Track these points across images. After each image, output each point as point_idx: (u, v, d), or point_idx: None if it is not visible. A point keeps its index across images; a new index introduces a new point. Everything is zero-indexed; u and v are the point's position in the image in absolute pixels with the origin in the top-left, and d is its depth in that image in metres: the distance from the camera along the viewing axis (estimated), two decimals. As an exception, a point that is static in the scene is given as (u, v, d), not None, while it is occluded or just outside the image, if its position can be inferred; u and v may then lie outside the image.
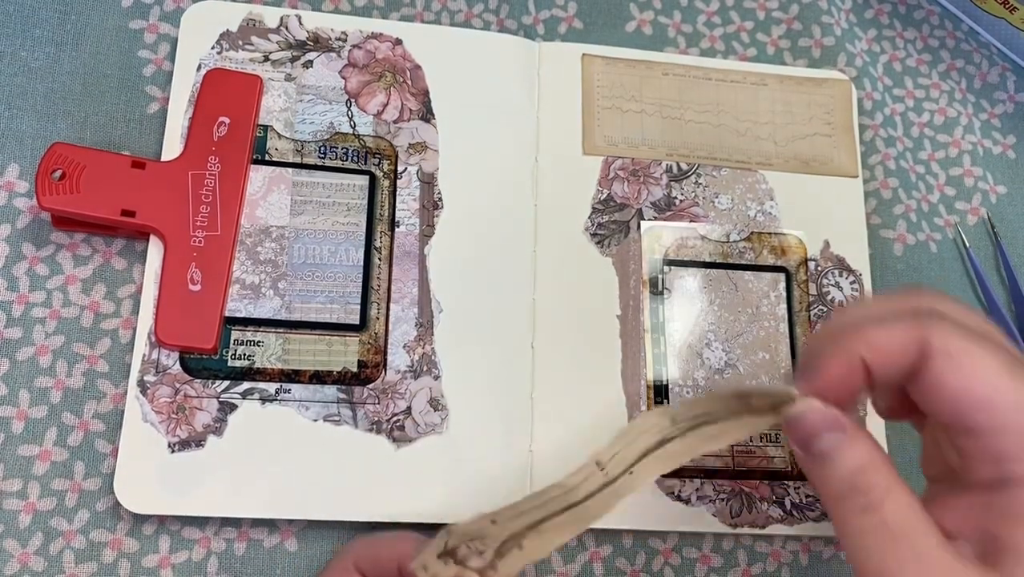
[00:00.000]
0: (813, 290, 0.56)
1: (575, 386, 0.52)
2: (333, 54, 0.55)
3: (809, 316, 0.55)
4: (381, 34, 0.56)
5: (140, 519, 0.47)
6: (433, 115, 0.55)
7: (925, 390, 0.36)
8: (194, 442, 0.47)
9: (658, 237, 0.55)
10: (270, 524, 0.48)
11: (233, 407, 0.48)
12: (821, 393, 0.37)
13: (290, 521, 0.48)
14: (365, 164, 0.53)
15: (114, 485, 0.46)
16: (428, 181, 0.54)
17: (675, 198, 0.56)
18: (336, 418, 0.49)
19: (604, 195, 0.55)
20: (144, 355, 0.48)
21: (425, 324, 0.51)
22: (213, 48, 0.53)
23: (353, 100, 0.54)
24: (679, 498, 0.51)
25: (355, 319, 0.51)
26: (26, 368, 0.48)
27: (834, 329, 0.38)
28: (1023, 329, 0.59)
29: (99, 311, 0.49)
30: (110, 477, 0.47)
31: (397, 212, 0.53)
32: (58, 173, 0.47)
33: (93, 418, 0.48)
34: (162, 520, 0.47)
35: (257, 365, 0.49)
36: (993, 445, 0.34)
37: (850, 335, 0.37)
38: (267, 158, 0.52)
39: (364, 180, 0.53)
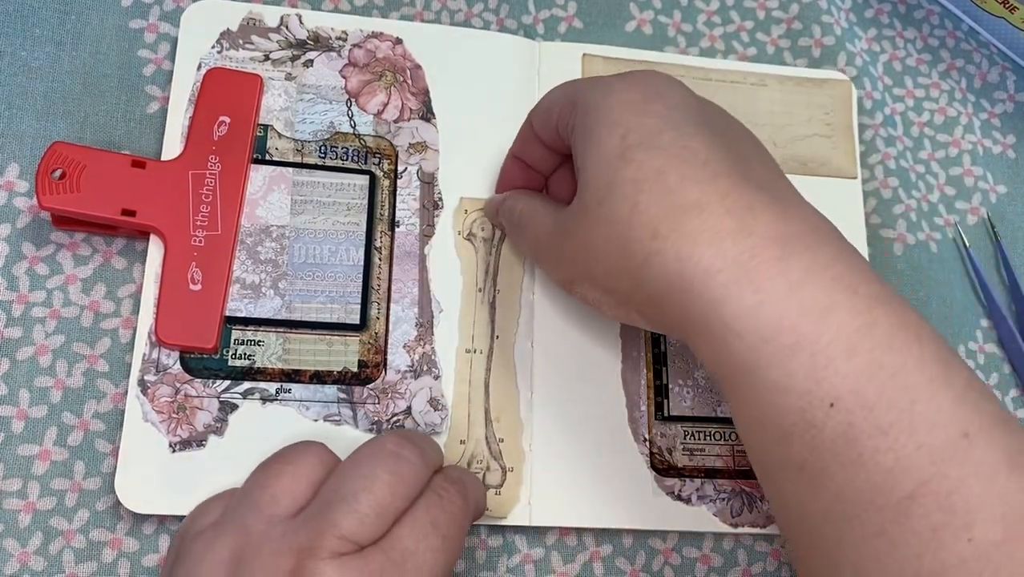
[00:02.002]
0: (813, 290, 0.56)
1: (575, 386, 0.52)
2: (333, 53, 0.55)
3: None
4: (381, 33, 0.56)
5: (140, 519, 0.47)
6: (433, 115, 0.55)
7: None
8: (195, 442, 0.47)
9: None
10: (270, 524, 0.48)
11: (234, 407, 0.48)
12: (509, 187, 0.52)
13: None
14: (365, 164, 0.53)
15: (115, 485, 0.46)
16: (428, 181, 0.54)
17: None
18: (336, 418, 0.49)
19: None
20: (144, 354, 0.48)
21: (425, 324, 0.51)
22: (213, 47, 0.53)
23: (353, 99, 0.54)
24: (679, 498, 0.51)
25: (355, 319, 0.51)
26: (26, 368, 0.48)
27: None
28: (1023, 329, 0.59)
29: (99, 311, 0.49)
30: (110, 477, 0.47)
31: (397, 212, 0.53)
32: (58, 172, 0.47)
33: (93, 418, 0.48)
34: (162, 520, 0.47)
35: (258, 365, 0.49)
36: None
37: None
38: (267, 157, 0.52)
39: (364, 180, 0.53)
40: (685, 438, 0.52)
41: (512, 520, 0.50)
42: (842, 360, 0.37)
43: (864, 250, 0.58)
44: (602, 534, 0.51)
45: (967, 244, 0.61)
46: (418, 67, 0.55)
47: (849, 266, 0.39)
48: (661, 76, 0.44)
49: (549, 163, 0.50)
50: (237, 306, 0.49)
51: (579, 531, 0.51)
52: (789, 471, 0.38)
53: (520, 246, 0.51)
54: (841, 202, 0.58)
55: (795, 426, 0.37)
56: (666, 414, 0.53)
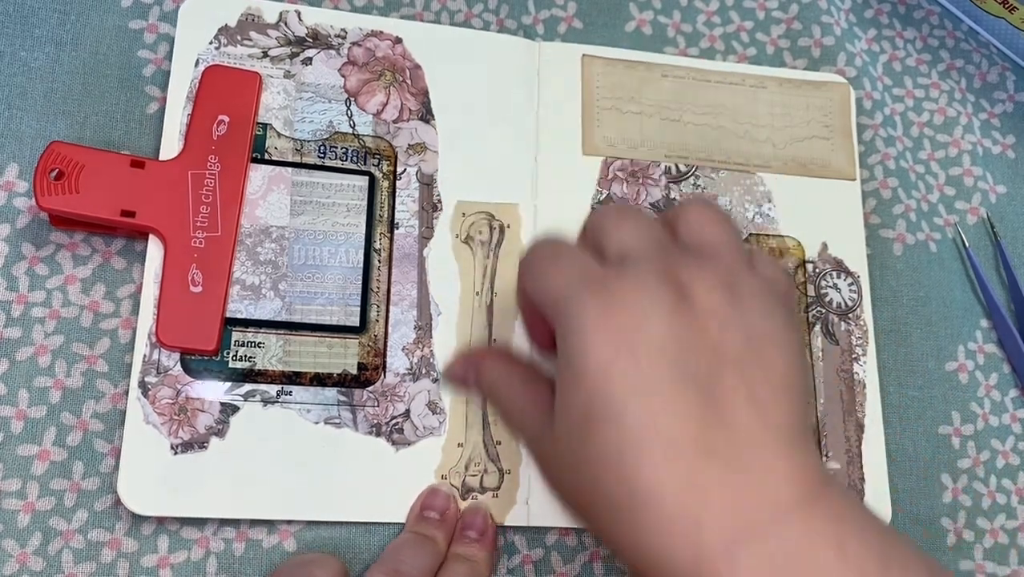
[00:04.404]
0: (811, 292, 0.56)
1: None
2: (333, 51, 0.55)
3: (808, 318, 0.55)
4: (381, 32, 0.56)
5: (139, 519, 0.47)
6: (433, 115, 0.55)
7: None
8: (197, 444, 0.47)
9: (657, 238, 0.55)
10: (268, 524, 0.48)
11: (235, 409, 0.48)
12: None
13: (288, 521, 0.48)
14: (364, 164, 0.53)
15: (118, 487, 0.46)
16: (427, 183, 0.54)
17: (674, 200, 0.56)
18: (337, 421, 0.49)
19: (604, 196, 0.56)
20: (145, 356, 0.48)
21: (424, 327, 0.51)
22: (211, 43, 0.53)
23: (352, 99, 0.54)
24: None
25: (355, 321, 0.51)
26: (25, 368, 0.48)
27: None
28: (1023, 329, 0.59)
29: (99, 311, 0.49)
30: (109, 477, 0.47)
31: (396, 213, 0.53)
32: (55, 173, 0.47)
33: (92, 418, 0.48)
34: (160, 520, 0.47)
35: (258, 367, 0.49)
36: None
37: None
38: (266, 157, 0.52)
39: (364, 181, 0.53)
40: (684, 439, 0.52)
41: (511, 521, 0.50)
42: None
43: (863, 252, 0.58)
44: (601, 535, 0.51)
45: (967, 244, 0.61)
46: (418, 67, 0.55)
47: (812, 566, 0.36)
48: (644, 295, 0.37)
49: None
50: (237, 308, 0.49)
51: (579, 531, 0.51)
52: None
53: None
54: (840, 203, 0.58)
55: None
56: (665, 415, 0.53)
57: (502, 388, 0.45)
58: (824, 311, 0.56)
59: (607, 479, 0.36)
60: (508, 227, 0.54)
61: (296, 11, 0.55)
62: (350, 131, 0.53)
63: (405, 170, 0.53)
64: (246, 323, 0.49)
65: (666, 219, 0.42)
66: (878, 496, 0.53)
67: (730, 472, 0.36)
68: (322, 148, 0.53)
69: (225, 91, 0.52)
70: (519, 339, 0.52)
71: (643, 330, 0.37)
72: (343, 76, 0.54)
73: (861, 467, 0.54)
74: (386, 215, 0.53)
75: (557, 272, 0.40)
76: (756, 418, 0.37)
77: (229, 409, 0.48)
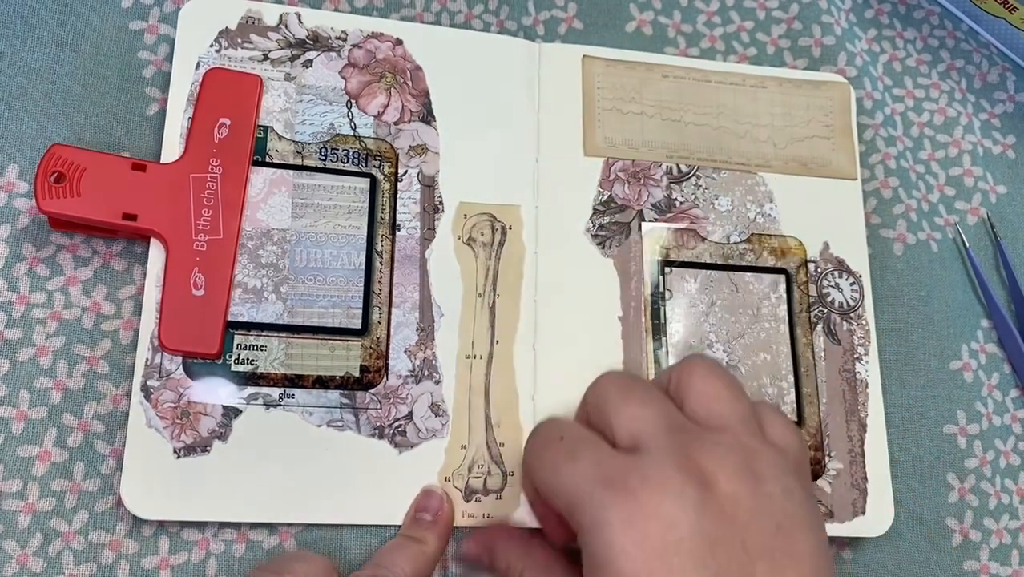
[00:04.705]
0: (813, 292, 0.56)
1: (577, 388, 0.52)
2: (333, 53, 0.54)
3: (809, 317, 0.55)
4: (381, 34, 0.55)
5: (139, 521, 0.47)
6: (434, 117, 0.55)
7: None
8: (199, 447, 0.47)
9: (659, 239, 0.55)
10: (269, 525, 0.48)
11: (238, 412, 0.48)
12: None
13: (289, 523, 0.48)
14: (366, 166, 0.53)
15: (122, 493, 0.46)
16: (429, 184, 0.54)
17: (675, 200, 0.56)
18: (339, 423, 0.49)
19: (605, 196, 0.56)
20: (147, 359, 0.48)
21: (426, 329, 0.51)
22: (211, 46, 0.53)
23: (353, 101, 0.54)
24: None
25: (357, 323, 0.51)
26: (26, 369, 0.48)
27: None
28: (1023, 329, 0.59)
29: (100, 312, 0.49)
30: (109, 478, 0.47)
31: (398, 215, 0.53)
32: (55, 176, 0.47)
33: (93, 419, 0.48)
34: (161, 522, 0.47)
35: (260, 370, 0.49)
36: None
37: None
38: (267, 160, 0.52)
39: (365, 183, 0.53)
40: (686, 440, 0.52)
41: (514, 522, 0.50)
42: None
43: (864, 252, 0.58)
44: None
45: (967, 244, 0.61)
46: (418, 68, 0.55)
47: None
48: (667, 494, 0.37)
49: None
50: (239, 311, 0.49)
51: (580, 533, 0.51)
52: None
53: None
54: (841, 203, 0.58)
55: None
56: (667, 416, 0.53)
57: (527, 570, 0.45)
58: (826, 311, 0.56)
59: None
60: (510, 228, 0.54)
61: (296, 13, 0.55)
62: (351, 133, 0.53)
63: (406, 172, 0.53)
64: (248, 326, 0.49)
65: (669, 386, 0.42)
66: (881, 496, 0.53)
67: None
68: (323, 150, 0.53)
69: (226, 94, 0.52)
70: (524, 340, 0.52)
71: (672, 533, 0.36)
72: (344, 78, 0.54)
73: (864, 467, 0.54)
74: (388, 217, 0.53)
75: (571, 468, 0.39)
76: None
77: (231, 412, 0.48)
